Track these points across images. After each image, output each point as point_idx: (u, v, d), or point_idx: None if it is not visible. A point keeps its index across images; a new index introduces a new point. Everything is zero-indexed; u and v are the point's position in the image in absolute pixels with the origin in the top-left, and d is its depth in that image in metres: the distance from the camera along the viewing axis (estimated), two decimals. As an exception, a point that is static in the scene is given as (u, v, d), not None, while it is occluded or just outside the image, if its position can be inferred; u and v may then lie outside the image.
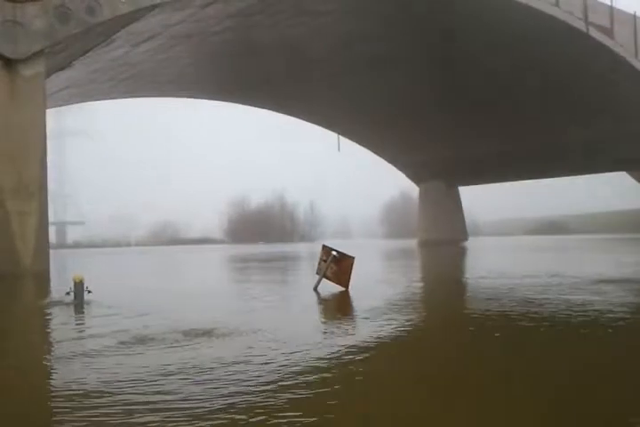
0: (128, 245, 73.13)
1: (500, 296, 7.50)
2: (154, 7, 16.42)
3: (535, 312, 5.96)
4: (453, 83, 29.02)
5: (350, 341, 4.59)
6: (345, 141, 39.56)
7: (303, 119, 38.13)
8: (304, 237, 75.34)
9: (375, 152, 41.99)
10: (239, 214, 79.87)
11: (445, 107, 31.57)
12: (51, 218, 17.65)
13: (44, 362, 4.28)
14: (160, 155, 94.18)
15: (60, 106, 31.39)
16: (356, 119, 35.28)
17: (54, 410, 2.98)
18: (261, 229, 74.18)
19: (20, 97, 15.18)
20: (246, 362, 3.84)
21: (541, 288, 8.26)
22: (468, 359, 4.03)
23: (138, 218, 78.80)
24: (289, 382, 3.34)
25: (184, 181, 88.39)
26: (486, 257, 21.92)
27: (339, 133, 37.96)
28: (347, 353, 4.12)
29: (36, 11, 14.73)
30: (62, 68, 19.74)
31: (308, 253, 27.93)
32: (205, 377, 3.45)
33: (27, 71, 15.20)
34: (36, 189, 15.36)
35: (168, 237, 76.12)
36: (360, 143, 40.77)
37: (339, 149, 38.20)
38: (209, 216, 77.52)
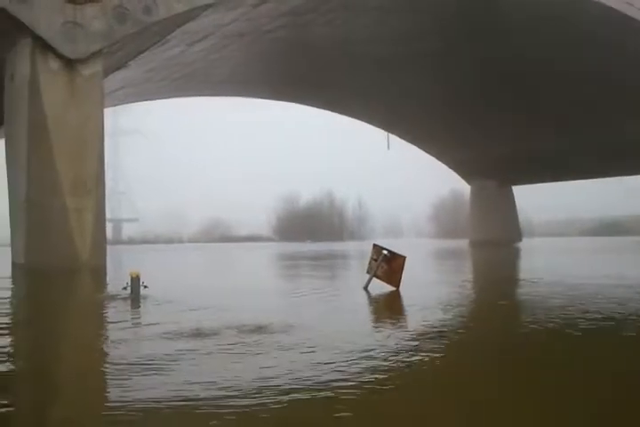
0: (180, 241, 74.71)
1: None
2: (207, 6, 16.62)
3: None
4: (509, 79, 28.30)
5: (404, 339, 4.48)
6: (395, 139, 39.23)
7: (353, 117, 37.97)
8: (352, 236, 75.14)
9: (426, 150, 41.40)
10: (288, 212, 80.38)
11: (500, 104, 30.82)
12: (107, 215, 18.12)
13: (101, 368, 4.35)
14: (210, 153, 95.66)
15: (116, 105, 32.26)
16: (406, 117, 34.86)
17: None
18: (309, 227, 74.42)
19: (80, 96, 15.64)
20: (303, 362, 3.79)
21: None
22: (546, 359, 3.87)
23: (189, 215, 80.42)
24: (348, 383, 3.26)
25: (234, 179, 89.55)
26: (544, 258, 21.30)
27: (388, 131, 37.64)
28: (401, 351, 4.02)
29: (95, 12, 15.13)
30: (119, 68, 20.24)
31: (357, 251, 27.83)
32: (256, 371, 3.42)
33: (86, 71, 15.65)
34: (93, 186, 15.79)
35: (218, 235, 77.35)
36: (410, 141, 40.30)
37: (388, 148, 37.92)
38: (258, 214, 78.34)
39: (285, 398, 2.97)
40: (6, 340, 5.06)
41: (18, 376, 3.78)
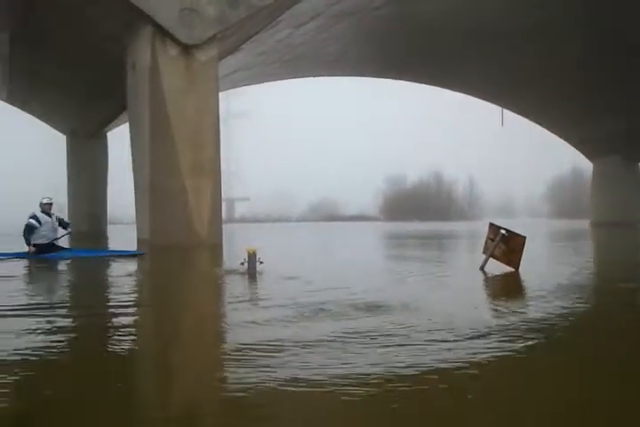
0: (288, 220, 76.67)
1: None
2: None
3: None
4: (637, 50, 25.95)
5: (521, 321, 4.27)
6: (509, 115, 37.43)
7: (465, 93, 36.64)
8: (461, 216, 73.33)
9: (544, 126, 39.15)
10: (395, 192, 79.79)
11: (629, 75, 28.39)
12: (223, 194, 18.89)
13: (221, 328, 4.53)
14: (318, 133, 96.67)
15: (229, 89, 33.33)
16: (523, 92, 33.04)
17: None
18: (417, 206, 73.49)
19: (197, 81, 16.28)
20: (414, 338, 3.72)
21: None
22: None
23: (298, 195, 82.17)
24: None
25: (342, 158, 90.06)
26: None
27: (503, 107, 35.97)
28: (517, 336, 3.84)
29: (209, -3, 15.60)
30: (232, 53, 20.82)
31: (468, 231, 27.06)
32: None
33: (202, 56, 16.23)
34: (210, 168, 16.48)
35: (326, 214, 78.49)
36: (527, 117, 38.27)
37: (502, 124, 36.29)
38: (365, 194, 78.45)
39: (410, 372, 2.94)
40: (131, 313, 5.40)
41: (138, 352, 4.03)
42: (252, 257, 7.80)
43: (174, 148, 15.99)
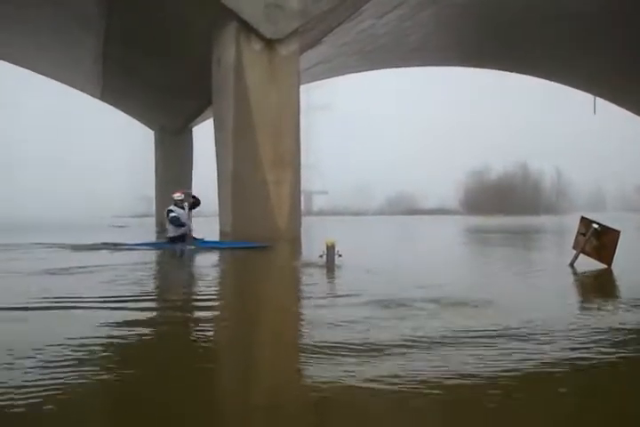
0: (366, 213, 76.41)
1: None
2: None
3: None
4: None
5: (608, 325, 4.01)
6: (601, 103, 35.37)
7: (554, 80, 34.98)
8: (549, 210, 70.29)
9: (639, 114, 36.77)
10: (477, 184, 77.59)
11: None
12: (301, 187, 19.06)
13: (298, 327, 4.55)
14: (397, 125, 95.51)
15: (310, 82, 33.49)
16: (618, 78, 31.11)
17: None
18: (501, 199, 71.13)
19: (279, 75, 16.48)
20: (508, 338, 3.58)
21: None
22: None
23: (376, 188, 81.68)
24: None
25: (421, 151, 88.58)
26: None
27: (595, 94, 34.04)
28: (603, 340, 3.59)
29: (292, -9, 15.72)
30: (313, 46, 20.92)
31: (556, 226, 25.90)
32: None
33: (284, 50, 16.41)
34: (290, 161, 16.68)
35: (404, 207, 77.59)
36: (621, 105, 36.05)
37: (594, 112, 34.36)
38: (445, 186, 76.83)
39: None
40: (210, 307, 5.53)
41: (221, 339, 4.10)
42: (330, 250, 7.79)
43: (256, 141, 16.29)
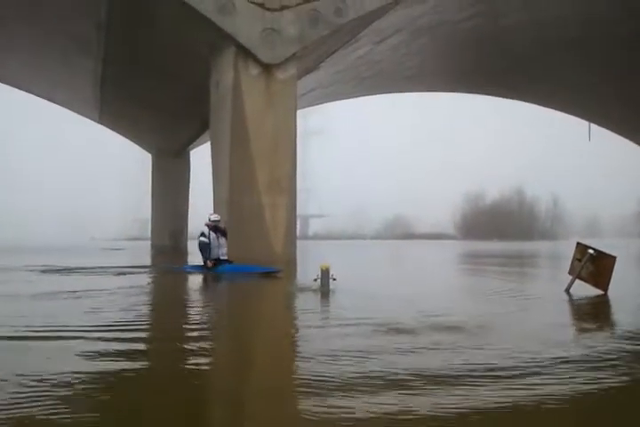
0: (363, 238, 76.36)
1: None
2: (397, 2, 16.60)
3: None
4: None
5: (604, 351, 3.94)
6: (596, 130, 35.71)
7: (550, 107, 35.37)
8: (544, 235, 70.45)
9: (634, 140, 37.10)
10: (473, 209, 77.85)
11: None
12: (297, 211, 19.06)
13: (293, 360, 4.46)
14: (392, 149, 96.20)
15: (306, 107, 33.79)
16: (612, 104, 31.50)
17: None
18: (496, 225, 71.30)
19: (276, 100, 16.62)
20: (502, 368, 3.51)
21: None
22: None
23: (372, 212, 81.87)
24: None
25: (417, 175, 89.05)
26: None
27: (590, 121, 34.39)
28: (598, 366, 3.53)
29: (290, 17, 15.96)
30: (311, 71, 21.15)
31: (551, 251, 25.89)
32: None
33: (281, 75, 16.58)
34: (286, 185, 16.71)
35: (400, 232, 77.66)
36: (616, 131, 36.40)
37: (589, 139, 34.64)
38: (441, 211, 77.06)
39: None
40: (202, 337, 5.43)
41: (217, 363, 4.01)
42: (324, 274, 7.74)
43: (253, 164, 16.34)
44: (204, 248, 11.12)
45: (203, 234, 11.22)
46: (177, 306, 6.79)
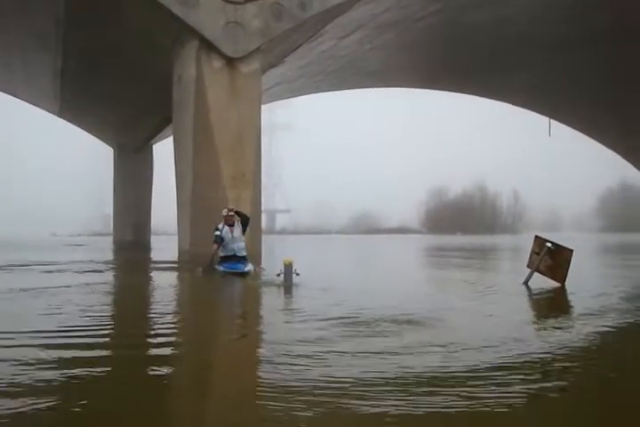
0: (329, 232, 76.57)
1: None
2: (361, -3, 16.61)
3: None
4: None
5: (564, 338, 4.05)
6: (557, 126, 36.49)
7: (511, 103, 35.97)
8: (505, 229, 71.87)
9: (592, 136, 38.05)
10: (437, 204, 78.86)
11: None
12: (262, 206, 18.96)
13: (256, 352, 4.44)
14: (358, 145, 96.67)
15: (272, 101, 33.66)
16: (572, 101, 32.21)
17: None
18: (460, 219, 72.42)
19: (239, 93, 16.44)
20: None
21: None
22: None
23: (338, 207, 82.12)
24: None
25: (382, 171, 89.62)
26: None
27: (551, 117, 35.12)
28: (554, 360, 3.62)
29: (254, 10, 15.80)
30: (275, 65, 21.02)
31: (512, 245, 26.44)
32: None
33: (245, 69, 16.40)
34: (250, 179, 16.58)
35: (366, 226, 78.11)
36: (575, 127, 37.27)
37: (549, 134, 35.39)
38: (406, 206, 77.82)
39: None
40: (171, 317, 5.37)
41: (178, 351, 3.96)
42: (288, 268, 7.73)
43: (216, 159, 16.16)
44: (220, 242, 10.02)
45: (216, 228, 10.19)
46: (135, 306, 6.69)
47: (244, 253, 10.19)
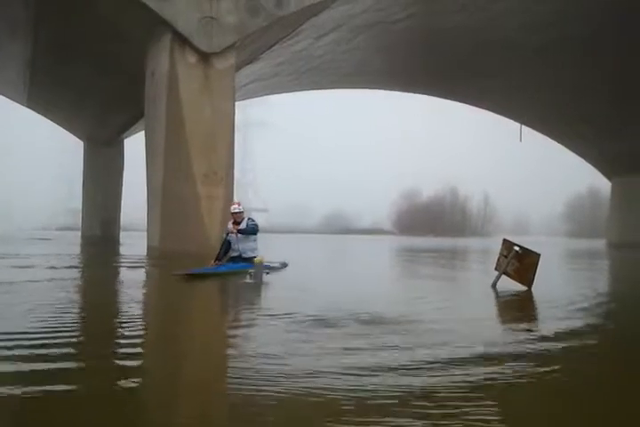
0: (303, 232, 76.45)
1: None
2: (338, -3, 16.63)
3: None
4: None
5: (527, 342, 4.07)
6: (528, 132, 37.10)
7: (483, 108, 36.46)
8: (476, 232, 72.77)
9: (562, 143, 38.79)
10: (409, 206, 79.43)
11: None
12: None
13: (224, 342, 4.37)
14: (333, 145, 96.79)
15: (246, 99, 33.47)
16: (543, 107, 32.74)
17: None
18: (431, 221, 73.05)
19: (213, 89, 16.30)
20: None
21: None
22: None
23: (313, 207, 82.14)
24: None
25: (357, 172, 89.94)
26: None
27: (522, 123, 35.66)
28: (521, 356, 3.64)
29: (229, 6, 15.67)
30: (250, 62, 20.89)
31: (482, 248, 26.71)
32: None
33: (219, 64, 16.27)
34: (223, 176, 16.44)
35: (339, 226, 78.22)
36: (546, 133, 37.92)
37: (520, 140, 35.94)
38: (379, 207, 78.23)
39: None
40: (139, 322, 5.27)
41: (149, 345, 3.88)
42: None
43: (188, 155, 15.99)
44: (227, 246, 9.43)
45: (227, 232, 9.53)
46: (102, 307, 6.55)
47: (252, 255, 9.09)
